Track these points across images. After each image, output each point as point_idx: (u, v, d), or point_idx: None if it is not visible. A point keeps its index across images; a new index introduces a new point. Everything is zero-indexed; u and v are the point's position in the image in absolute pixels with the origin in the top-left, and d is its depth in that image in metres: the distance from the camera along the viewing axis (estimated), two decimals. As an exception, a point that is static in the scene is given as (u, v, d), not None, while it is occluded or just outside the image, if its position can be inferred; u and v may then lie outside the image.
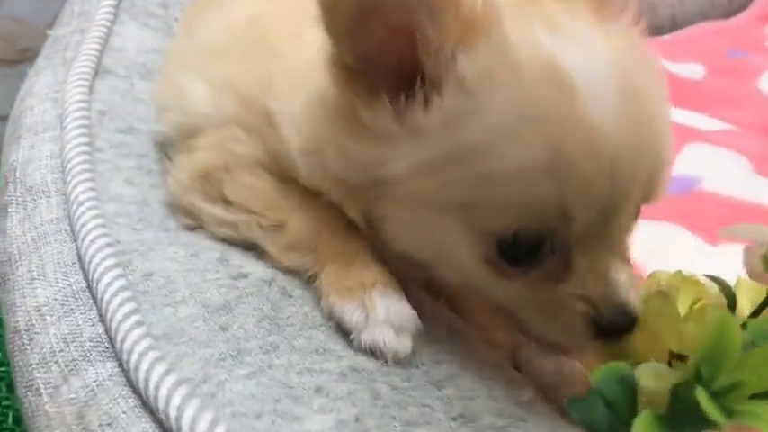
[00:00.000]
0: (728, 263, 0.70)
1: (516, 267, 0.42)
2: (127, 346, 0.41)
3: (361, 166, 0.43)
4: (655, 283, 0.52)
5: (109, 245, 0.48)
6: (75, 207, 0.49)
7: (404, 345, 0.43)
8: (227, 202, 0.51)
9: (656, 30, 1.25)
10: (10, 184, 0.56)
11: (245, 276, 0.48)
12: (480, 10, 0.40)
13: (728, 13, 1.32)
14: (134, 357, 0.40)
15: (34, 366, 0.43)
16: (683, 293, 0.50)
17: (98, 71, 0.67)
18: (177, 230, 0.53)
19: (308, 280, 0.48)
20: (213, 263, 0.49)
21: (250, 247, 0.50)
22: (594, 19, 0.45)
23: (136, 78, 0.69)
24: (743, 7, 1.32)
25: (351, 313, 0.44)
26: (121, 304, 0.43)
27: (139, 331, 0.41)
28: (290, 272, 0.49)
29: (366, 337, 0.43)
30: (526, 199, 0.40)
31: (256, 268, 0.49)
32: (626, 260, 0.45)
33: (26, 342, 0.45)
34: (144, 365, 0.39)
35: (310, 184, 0.48)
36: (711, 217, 0.74)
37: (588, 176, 0.39)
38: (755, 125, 0.94)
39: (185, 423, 0.36)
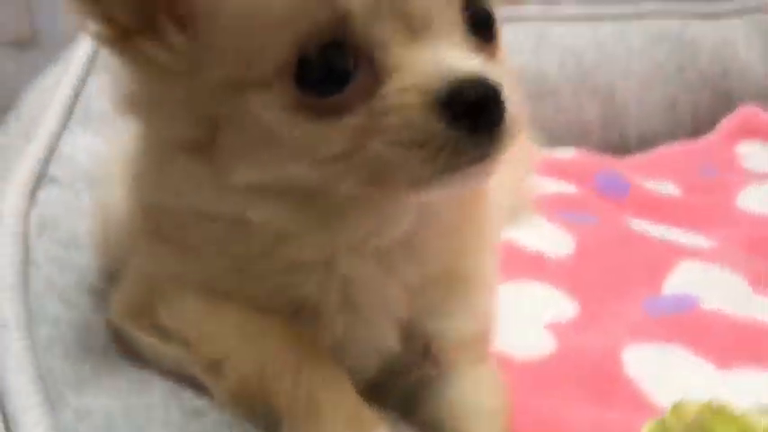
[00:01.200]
0: (740, 387, 0.64)
1: (326, 96, 0.36)
2: None
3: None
4: (684, 417, 0.45)
5: (38, 376, 0.39)
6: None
7: None
8: (164, 332, 0.43)
9: (625, 149, 1.26)
10: None
11: (202, 416, 0.40)
12: None
13: (694, 132, 1.32)
14: None
15: None
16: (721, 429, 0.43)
17: (41, 179, 0.60)
18: (122, 359, 0.45)
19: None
20: (163, 398, 0.40)
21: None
22: None
23: (82, 188, 0.62)
24: (708, 127, 1.33)
25: None
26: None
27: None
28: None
29: None
30: (292, 9, 0.36)
31: (216, 405, 0.41)
32: (467, 46, 0.38)
33: None
34: None
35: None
36: (716, 337, 0.68)
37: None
38: (744, 243, 0.90)
39: None
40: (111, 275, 0.51)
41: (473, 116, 0.35)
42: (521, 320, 0.65)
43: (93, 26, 0.39)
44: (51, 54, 0.84)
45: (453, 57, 0.36)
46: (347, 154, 0.36)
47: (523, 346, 0.62)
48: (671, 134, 1.30)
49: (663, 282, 0.77)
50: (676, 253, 0.80)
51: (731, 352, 0.65)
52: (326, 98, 0.36)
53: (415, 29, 0.36)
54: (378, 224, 0.41)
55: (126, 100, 0.42)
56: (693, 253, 0.82)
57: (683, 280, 0.76)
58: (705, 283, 0.75)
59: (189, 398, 0.41)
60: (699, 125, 1.32)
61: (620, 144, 1.26)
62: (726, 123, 1.31)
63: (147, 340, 0.43)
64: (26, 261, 0.49)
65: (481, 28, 0.40)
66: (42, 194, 0.58)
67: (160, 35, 0.39)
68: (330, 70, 0.36)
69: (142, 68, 0.40)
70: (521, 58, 1.15)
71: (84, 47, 0.75)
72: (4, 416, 0.39)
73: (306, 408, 0.40)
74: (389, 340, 0.46)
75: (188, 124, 0.40)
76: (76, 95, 0.71)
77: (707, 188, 1.10)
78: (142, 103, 0.42)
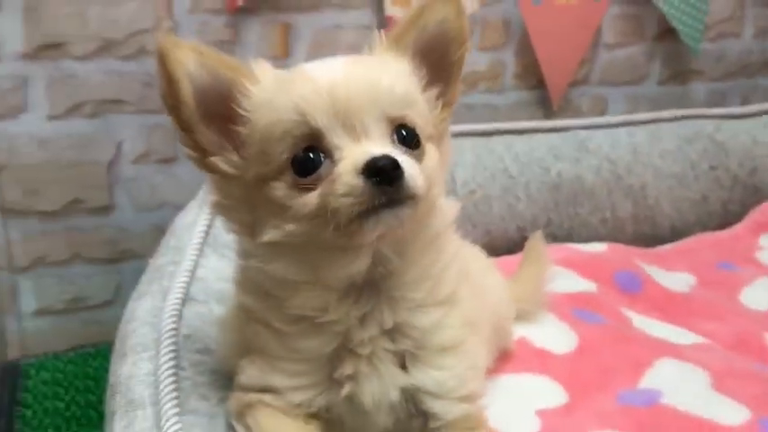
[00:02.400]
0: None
1: (308, 176, 0.61)
2: None
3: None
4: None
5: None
6: (163, 421, 0.69)
7: None
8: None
9: (658, 240, 1.42)
10: (117, 395, 0.76)
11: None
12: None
13: (725, 223, 1.47)
14: None
15: None
16: None
17: (186, 299, 0.89)
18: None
19: None
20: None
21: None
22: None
23: (213, 303, 0.91)
24: (739, 217, 1.48)
25: None
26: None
27: None
28: None
29: None
30: (287, 129, 0.61)
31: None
32: (390, 146, 0.62)
33: None
34: None
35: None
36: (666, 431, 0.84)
37: (311, 102, 0.60)
38: (730, 340, 1.05)
39: None
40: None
41: (382, 176, 0.59)
42: (514, 406, 0.86)
43: (187, 150, 0.65)
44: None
45: (377, 149, 0.61)
46: (321, 210, 0.60)
47: (513, 428, 0.84)
48: (703, 226, 1.47)
49: (640, 377, 0.93)
50: (656, 350, 0.97)
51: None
52: (308, 178, 0.61)
53: (358, 137, 0.61)
54: (347, 263, 0.64)
55: (214, 204, 0.68)
56: (672, 350, 0.98)
57: (657, 375, 0.92)
58: (673, 379, 0.91)
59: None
60: (730, 217, 1.48)
61: (653, 235, 1.43)
62: (753, 215, 1.46)
63: None
64: (177, 366, 0.77)
65: (408, 140, 0.64)
66: (186, 312, 0.87)
67: (226, 155, 0.65)
68: (310, 162, 0.61)
69: (217, 178, 0.66)
70: (561, 165, 1.36)
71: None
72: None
73: None
74: (392, 396, 0.68)
75: (245, 211, 0.65)
76: (209, 228, 1.00)
77: (719, 282, 1.25)
78: (222, 204, 0.68)
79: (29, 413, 1.25)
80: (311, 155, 0.61)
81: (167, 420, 0.69)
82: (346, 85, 0.61)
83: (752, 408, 0.87)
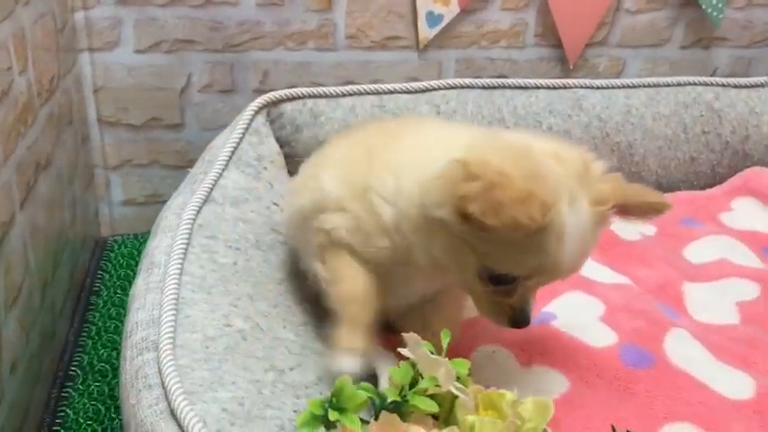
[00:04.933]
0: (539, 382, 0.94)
1: (493, 285, 0.76)
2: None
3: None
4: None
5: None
6: (167, 277, 0.99)
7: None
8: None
9: None
10: (145, 258, 1.06)
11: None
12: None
13: (713, 184, 1.56)
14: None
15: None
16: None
17: (206, 200, 1.19)
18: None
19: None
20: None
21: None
22: (581, 182, 0.76)
23: (228, 206, 1.20)
24: (726, 180, 1.59)
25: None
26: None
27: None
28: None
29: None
30: (521, 262, 0.74)
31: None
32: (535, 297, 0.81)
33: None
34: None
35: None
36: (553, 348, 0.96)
37: (548, 269, 0.75)
38: (653, 285, 1.14)
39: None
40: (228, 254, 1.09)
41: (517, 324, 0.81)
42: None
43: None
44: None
45: (529, 302, 0.82)
46: (475, 294, 0.83)
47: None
48: (690, 185, 1.57)
49: (546, 304, 1.06)
50: (572, 284, 1.05)
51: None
52: (493, 285, 0.79)
53: (534, 290, 0.82)
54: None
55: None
56: (586, 285, 1.07)
57: (560, 303, 1.05)
58: (571, 306, 1.04)
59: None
60: (718, 179, 1.58)
61: None
62: (734, 179, 1.56)
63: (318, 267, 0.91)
64: (188, 244, 1.08)
65: None
66: (205, 209, 1.17)
67: None
68: (508, 280, 0.77)
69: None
70: (553, 120, 1.53)
71: (242, 119, 1.34)
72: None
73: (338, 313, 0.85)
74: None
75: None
76: (235, 149, 1.29)
77: (674, 235, 1.36)
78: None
79: (106, 276, 1.53)
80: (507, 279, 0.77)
81: (169, 276, 1.00)
82: None
83: (621, 336, 0.99)
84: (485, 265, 0.76)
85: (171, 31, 1.57)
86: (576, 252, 0.77)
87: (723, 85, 1.60)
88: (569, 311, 1.05)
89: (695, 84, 1.59)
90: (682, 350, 1.01)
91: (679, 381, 0.96)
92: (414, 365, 0.73)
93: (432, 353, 0.73)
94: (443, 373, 0.70)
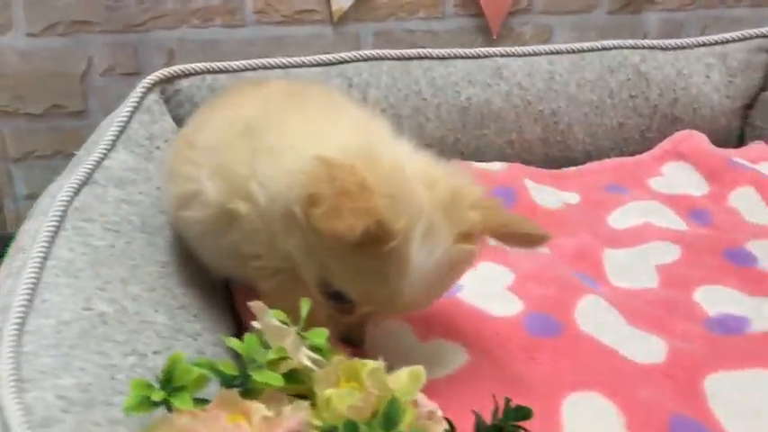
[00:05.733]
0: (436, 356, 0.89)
1: (330, 299, 0.74)
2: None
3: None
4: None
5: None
6: (29, 263, 0.91)
7: None
8: None
9: (571, 162, 1.50)
10: (12, 244, 0.99)
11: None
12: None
13: (643, 150, 1.52)
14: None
15: None
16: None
17: (86, 182, 1.11)
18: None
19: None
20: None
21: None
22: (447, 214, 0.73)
23: (111, 187, 1.13)
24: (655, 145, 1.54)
25: None
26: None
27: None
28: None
29: None
30: (357, 284, 0.72)
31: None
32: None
33: None
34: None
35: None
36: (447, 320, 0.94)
37: (384, 299, 0.74)
38: (572, 253, 1.09)
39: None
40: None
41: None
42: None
43: None
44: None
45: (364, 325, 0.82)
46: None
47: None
48: (620, 151, 1.53)
49: None
50: (487, 255, 0.97)
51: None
52: (329, 300, 0.76)
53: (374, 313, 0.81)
54: None
55: None
56: (499, 256, 1.03)
57: (471, 274, 1.01)
58: (480, 277, 0.97)
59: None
60: (648, 144, 1.53)
61: (565, 158, 1.50)
62: (664, 143, 1.52)
63: None
64: (58, 227, 1.00)
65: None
66: (85, 190, 1.09)
67: None
68: (341, 297, 0.74)
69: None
70: (472, 90, 1.47)
71: (132, 97, 1.26)
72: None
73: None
74: None
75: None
76: (123, 128, 1.21)
77: (598, 202, 1.32)
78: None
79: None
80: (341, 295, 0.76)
81: (31, 260, 0.91)
82: None
83: (528, 304, 0.96)
84: (323, 278, 0.74)
85: (65, 11, 1.51)
86: (421, 288, 0.73)
87: (650, 48, 1.56)
88: (477, 282, 1.00)
89: (621, 47, 1.55)
90: (593, 317, 0.97)
91: (586, 347, 0.92)
92: (261, 336, 0.65)
93: (284, 323, 0.66)
94: (290, 342, 0.63)
